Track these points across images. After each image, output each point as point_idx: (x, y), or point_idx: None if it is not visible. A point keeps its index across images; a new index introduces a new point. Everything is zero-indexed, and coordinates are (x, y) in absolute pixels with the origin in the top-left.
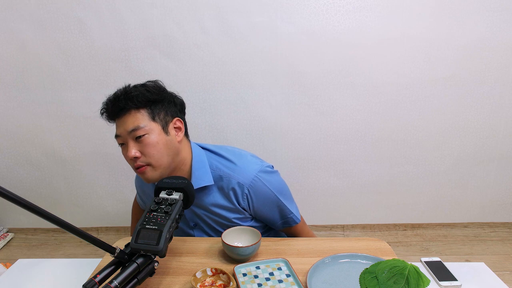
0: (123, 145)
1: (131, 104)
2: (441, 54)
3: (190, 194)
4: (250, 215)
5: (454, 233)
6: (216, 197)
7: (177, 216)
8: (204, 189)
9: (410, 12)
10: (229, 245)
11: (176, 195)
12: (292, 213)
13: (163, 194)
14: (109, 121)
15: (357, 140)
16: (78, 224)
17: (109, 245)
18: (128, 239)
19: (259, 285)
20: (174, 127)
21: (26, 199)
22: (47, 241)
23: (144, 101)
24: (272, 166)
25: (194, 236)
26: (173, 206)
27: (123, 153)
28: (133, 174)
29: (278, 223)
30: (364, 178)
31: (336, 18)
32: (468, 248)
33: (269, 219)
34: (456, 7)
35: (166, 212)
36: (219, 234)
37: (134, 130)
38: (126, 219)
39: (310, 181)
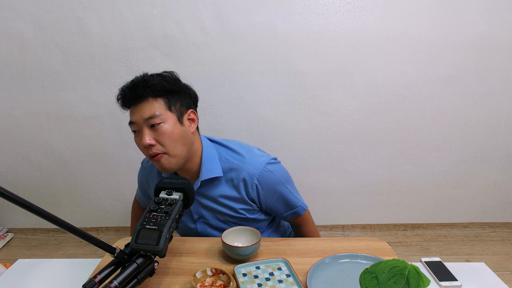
0: (136, 132)
1: (149, 92)
2: (441, 54)
3: (190, 194)
4: (258, 207)
5: (454, 233)
6: (224, 188)
7: (177, 216)
8: (213, 180)
9: (410, 12)
10: (229, 245)
11: (176, 195)
12: (300, 201)
13: (163, 194)
14: (123, 108)
15: (357, 140)
16: (78, 224)
17: (109, 245)
18: (128, 239)
19: (259, 285)
20: (188, 119)
21: (26, 199)
22: (47, 241)
23: (162, 90)
24: (276, 158)
25: (196, 230)
26: (173, 206)
27: (136, 141)
28: (133, 174)
29: (286, 213)
30: (364, 178)
31: (336, 18)
32: (468, 248)
33: (278, 210)
34: (456, 7)
35: (166, 212)
36: (222, 228)
37: (151, 118)
38: (126, 219)
39: (310, 181)
